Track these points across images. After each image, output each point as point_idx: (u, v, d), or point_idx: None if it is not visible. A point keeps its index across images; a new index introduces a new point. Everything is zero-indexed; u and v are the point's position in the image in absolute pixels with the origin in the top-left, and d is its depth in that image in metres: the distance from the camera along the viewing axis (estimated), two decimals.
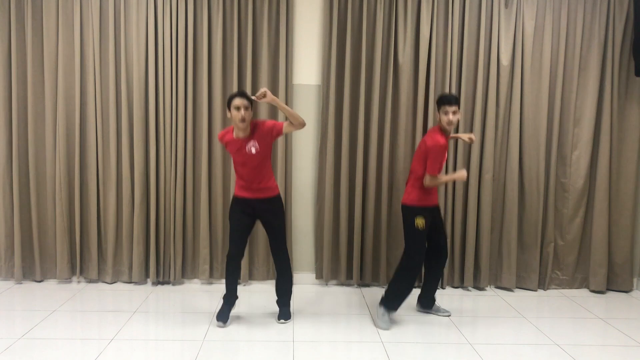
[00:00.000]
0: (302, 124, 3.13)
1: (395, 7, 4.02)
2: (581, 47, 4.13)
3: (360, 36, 4.03)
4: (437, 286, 3.61)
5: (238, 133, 3.20)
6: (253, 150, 3.18)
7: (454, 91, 4.07)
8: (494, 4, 4.04)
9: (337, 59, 4.04)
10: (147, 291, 3.99)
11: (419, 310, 3.66)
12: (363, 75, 4.04)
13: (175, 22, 3.96)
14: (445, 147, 3.14)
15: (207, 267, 4.11)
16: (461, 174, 3.22)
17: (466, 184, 4.16)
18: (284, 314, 3.44)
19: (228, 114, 3.17)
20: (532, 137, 4.14)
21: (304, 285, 4.25)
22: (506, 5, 4.08)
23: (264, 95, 3.04)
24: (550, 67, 4.12)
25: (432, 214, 3.35)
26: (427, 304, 3.61)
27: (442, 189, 4.11)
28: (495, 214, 4.20)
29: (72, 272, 4.13)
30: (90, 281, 4.16)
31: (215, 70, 4.01)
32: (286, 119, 3.22)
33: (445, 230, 3.56)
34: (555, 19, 4.10)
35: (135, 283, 4.14)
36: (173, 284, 4.15)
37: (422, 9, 4.01)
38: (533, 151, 4.14)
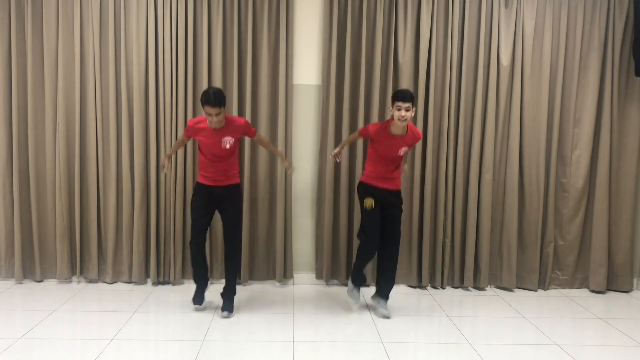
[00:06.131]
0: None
1: (395, 7, 4.02)
2: (581, 47, 4.13)
3: (360, 36, 4.03)
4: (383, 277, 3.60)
5: (212, 125, 3.28)
6: (228, 146, 3.33)
7: (454, 91, 4.07)
8: (494, 4, 4.04)
9: (337, 59, 4.04)
10: (147, 291, 3.99)
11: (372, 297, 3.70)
12: (363, 75, 4.04)
13: (175, 22, 3.96)
14: (371, 132, 3.38)
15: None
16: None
17: (466, 184, 4.16)
18: (227, 306, 3.50)
19: (203, 109, 3.20)
20: (532, 137, 4.14)
21: (304, 285, 4.25)
22: (506, 5, 4.08)
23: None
24: (550, 67, 4.12)
25: (380, 194, 3.43)
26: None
27: (441, 188, 4.11)
28: (495, 214, 4.20)
29: (72, 272, 4.13)
30: (90, 281, 4.16)
31: (215, 70, 4.01)
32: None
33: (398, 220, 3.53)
34: (555, 19, 4.10)
35: (135, 283, 4.14)
36: (173, 284, 4.15)
37: (422, 9, 4.01)
38: (533, 151, 4.14)
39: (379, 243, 3.48)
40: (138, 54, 3.96)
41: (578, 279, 4.31)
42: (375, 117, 4.05)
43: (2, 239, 4.07)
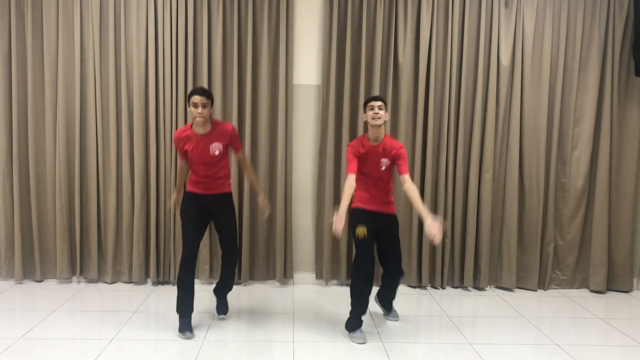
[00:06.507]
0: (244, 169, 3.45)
1: (395, 7, 4.02)
2: (581, 47, 4.13)
3: (360, 36, 4.03)
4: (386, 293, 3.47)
5: (197, 129, 3.13)
6: (217, 152, 3.15)
7: (454, 91, 4.07)
8: (494, 4, 4.04)
9: (337, 58, 4.04)
10: (147, 291, 3.99)
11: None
12: (363, 75, 4.04)
13: (175, 22, 3.96)
14: (354, 145, 3.13)
15: (207, 267, 4.11)
16: (339, 218, 2.88)
17: (466, 183, 4.16)
18: (222, 308, 3.45)
19: (188, 108, 3.10)
20: (532, 137, 4.14)
21: (304, 285, 4.25)
22: (506, 5, 4.08)
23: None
24: (550, 67, 4.12)
25: (375, 220, 3.18)
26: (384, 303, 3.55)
27: (441, 188, 4.11)
28: (495, 214, 4.20)
29: (72, 272, 4.14)
30: (90, 281, 4.16)
31: (215, 70, 4.01)
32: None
33: (395, 245, 3.28)
34: (555, 19, 4.11)
35: (135, 283, 4.14)
36: (173, 284, 4.15)
37: (422, 9, 4.01)
38: (533, 151, 4.14)
39: (383, 275, 3.35)
40: (138, 54, 3.96)
41: (578, 279, 4.31)
42: None
43: (2, 239, 4.07)
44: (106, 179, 4.07)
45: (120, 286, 4.09)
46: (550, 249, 4.22)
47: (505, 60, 4.08)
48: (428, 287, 4.25)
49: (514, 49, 4.10)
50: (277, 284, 4.24)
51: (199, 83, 4.03)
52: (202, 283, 4.16)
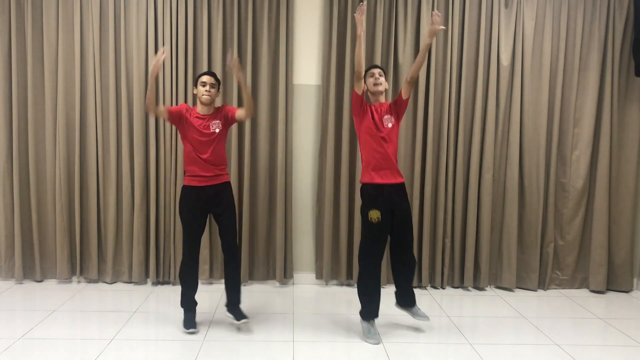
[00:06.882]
0: (252, 114, 3.31)
1: (395, 7, 4.02)
2: (581, 47, 4.13)
3: None
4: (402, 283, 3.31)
5: (201, 109, 3.16)
6: (217, 130, 3.15)
7: (454, 91, 4.07)
8: (494, 4, 4.04)
9: (337, 58, 4.04)
10: (147, 291, 3.99)
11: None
12: None
13: (175, 22, 3.96)
14: (361, 99, 3.07)
15: (207, 267, 4.11)
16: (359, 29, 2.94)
17: (466, 184, 4.16)
18: (241, 314, 3.27)
19: (194, 90, 3.17)
20: (532, 137, 4.14)
21: (304, 285, 4.25)
22: (506, 5, 4.08)
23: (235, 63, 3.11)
24: (550, 67, 4.12)
25: (388, 197, 3.07)
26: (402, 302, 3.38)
27: (441, 188, 4.11)
28: (495, 214, 4.20)
29: (72, 272, 4.13)
30: (90, 281, 4.16)
31: (215, 70, 4.01)
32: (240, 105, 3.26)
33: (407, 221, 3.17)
34: (555, 19, 4.11)
35: (135, 283, 4.14)
36: (173, 284, 4.15)
37: (422, 9, 4.01)
38: (533, 151, 4.14)
39: (393, 255, 3.23)
40: (138, 54, 3.96)
41: (578, 279, 4.31)
42: None
43: (2, 239, 4.07)
44: (106, 179, 4.07)
45: (120, 286, 4.09)
46: (550, 249, 4.22)
47: (505, 60, 4.08)
48: (428, 287, 4.25)
49: (514, 49, 4.10)
50: (277, 284, 4.24)
51: None
52: (202, 283, 4.15)
